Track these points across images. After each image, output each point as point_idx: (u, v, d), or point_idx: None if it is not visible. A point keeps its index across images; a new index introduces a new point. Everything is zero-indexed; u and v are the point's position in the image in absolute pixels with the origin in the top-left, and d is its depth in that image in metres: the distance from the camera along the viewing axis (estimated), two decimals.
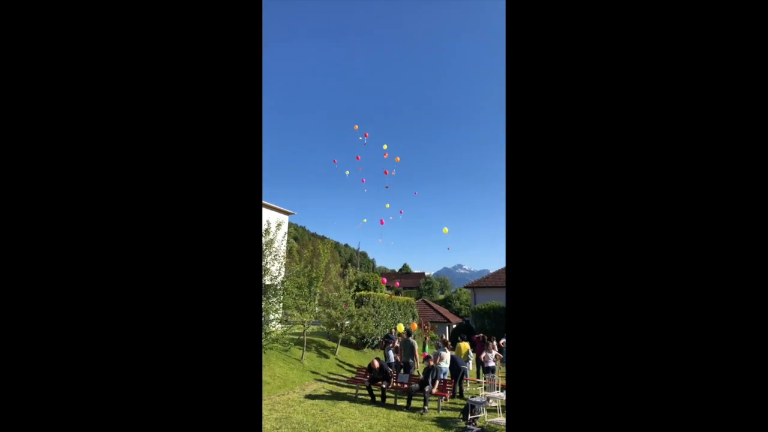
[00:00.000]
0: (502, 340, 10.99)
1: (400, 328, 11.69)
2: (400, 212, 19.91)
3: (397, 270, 59.24)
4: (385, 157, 17.30)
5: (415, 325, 12.62)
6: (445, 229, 17.93)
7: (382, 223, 18.33)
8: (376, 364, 8.28)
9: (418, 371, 9.53)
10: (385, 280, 18.01)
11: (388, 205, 18.11)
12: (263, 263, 9.40)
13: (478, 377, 9.56)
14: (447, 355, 8.65)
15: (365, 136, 15.95)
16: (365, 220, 19.14)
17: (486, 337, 10.42)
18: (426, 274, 55.02)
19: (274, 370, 9.24)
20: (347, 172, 17.94)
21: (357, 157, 17.84)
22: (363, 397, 8.28)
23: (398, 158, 17.84)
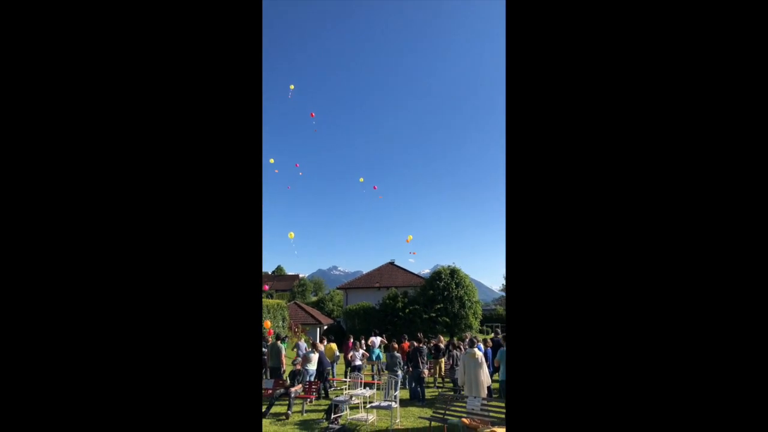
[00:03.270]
0: (371, 339, 11.43)
1: (267, 324, 11.26)
2: None
3: (270, 272, 56.86)
4: None
5: (268, 323, 12.30)
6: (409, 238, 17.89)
7: None
8: None
9: (285, 376, 9.27)
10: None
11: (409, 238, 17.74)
12: None
13: (347, 376, 9.75)
14: (315, 357, 8.62)
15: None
16: None
17: (352, 337, 10.75)
18: (300, 276, 54.07)
19: None
20: None
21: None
22: None
23: None
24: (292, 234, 17.59)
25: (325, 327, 23.46)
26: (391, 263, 27.92)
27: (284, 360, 9.54)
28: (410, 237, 19.85)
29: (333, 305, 35.45)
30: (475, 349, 6.72)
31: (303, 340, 11.59)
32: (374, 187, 21.83)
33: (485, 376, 6.45)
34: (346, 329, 21.71)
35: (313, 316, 23.55)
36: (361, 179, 19.74)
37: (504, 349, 6.60)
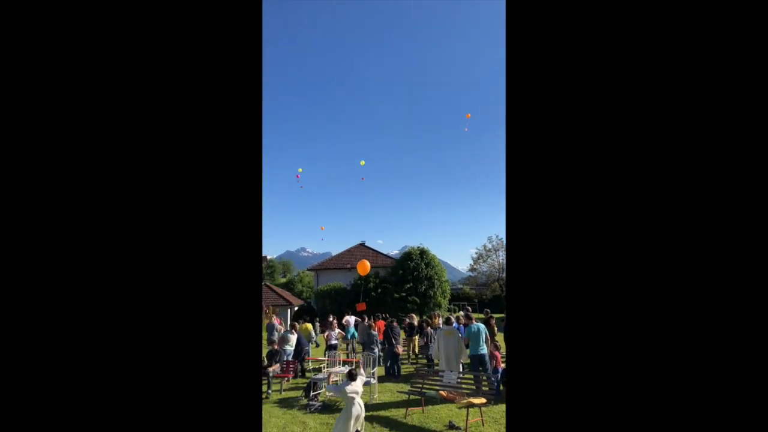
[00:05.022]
0: (345, 318, 11.59)
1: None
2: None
3: None
4: None
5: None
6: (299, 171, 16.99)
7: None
8: None
9: (263, 358, 9.29)
10: None
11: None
12: None
13: (325, 355, 9.88)
14: (293, 337, 8.68)
15: None
16: None
17: (332, 317, 10.86)
18: (268, 257, 53.35)
19: None
20: None
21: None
22: None
23: None
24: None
25: (296, 308, 23.43)
26: (362, 244, 28.07)
27: None
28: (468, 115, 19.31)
29: (302, 286, 35.36)
30: (452, 327, 7.02)
31: (276, 321, 11.56)
32: (297, 176, 21.34)
33: (461, 351, 6.78)
34: (317, 310, 21.82)
35: (283, 297, 23.44)
36: (362, 162, 18.77)
37: (472, 326, 6.96)
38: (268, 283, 27.11)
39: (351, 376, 4.56)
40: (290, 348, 8.56)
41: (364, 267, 11.80)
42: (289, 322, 17.80)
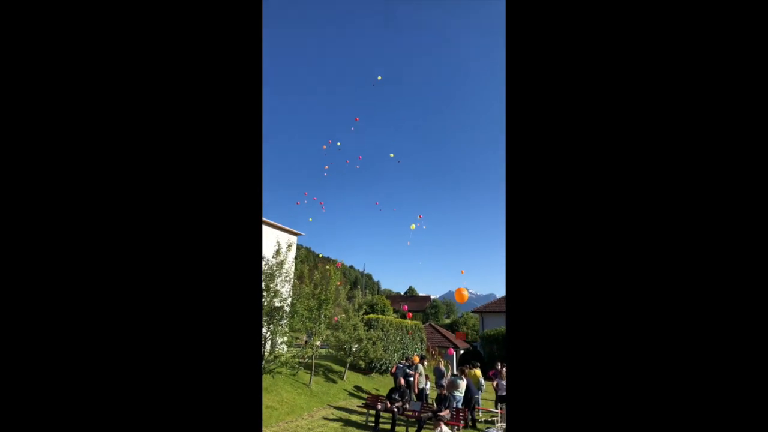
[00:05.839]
0: None
1: (416, 359, 11.35)
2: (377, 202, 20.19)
3: (402, 293, 58.69)
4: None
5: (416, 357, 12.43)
6: (413, 226, 17.21)
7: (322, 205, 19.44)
8: (402, 381, 8.66)
9: (431, 400, 9.27)
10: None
11: (413, 226, 17.10)
12: (274, 284, 9.34)
13: (496, 407, 9.24)
14: (463, 384, 8.42)
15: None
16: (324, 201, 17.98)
17: (501, 365, 10.07)
18: (432, 297, 54.40)
19: (281, 395, 9.02)
20: (338, 143, 18.43)
21: (346, 161, 18.72)
22: (373, 424, 8.05)
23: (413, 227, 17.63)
24: (414, 226, 17.37)
25: (462, 351, 22.86)
26: None
27: (418, 379, 9.57)
28: (413, 225, 18.10)
29: (467, 328, 34.50)
30: None
31: (442, 364, 11.45)
32: (420, 216, 21.03)
33: None
34: (484, 355, 20.80)
35: (448, 339, 23.26)
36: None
37: None
38: (433, 324, 27.43)
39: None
40: (460, 395, 8.29)
41: (461, 296, 11.28)
42: (455, 366, 17.42)
